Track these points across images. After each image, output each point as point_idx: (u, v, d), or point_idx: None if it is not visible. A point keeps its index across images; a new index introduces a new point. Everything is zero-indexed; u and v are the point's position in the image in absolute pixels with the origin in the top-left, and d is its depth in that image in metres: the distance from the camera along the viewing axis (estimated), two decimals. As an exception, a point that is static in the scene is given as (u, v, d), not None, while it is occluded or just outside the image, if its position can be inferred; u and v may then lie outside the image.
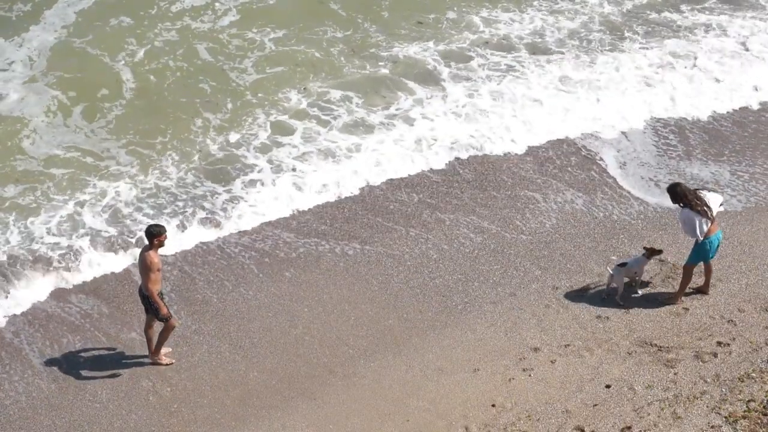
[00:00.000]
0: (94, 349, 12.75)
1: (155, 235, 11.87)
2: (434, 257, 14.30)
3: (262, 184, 15.63)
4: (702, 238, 12.71)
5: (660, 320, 12.96)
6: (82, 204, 15.08)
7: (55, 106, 17.29)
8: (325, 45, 19.24)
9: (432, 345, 12.74)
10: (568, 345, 12.61)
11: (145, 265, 11.90)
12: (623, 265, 13.29)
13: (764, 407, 11.47)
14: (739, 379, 11.93)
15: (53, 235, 14.47)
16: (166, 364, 12.42)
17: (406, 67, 18.68)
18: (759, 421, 11.30)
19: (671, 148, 16.74)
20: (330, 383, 12.24)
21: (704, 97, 18.00)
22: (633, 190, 15.65)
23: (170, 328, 12.23)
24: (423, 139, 16.68)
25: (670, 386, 11.91)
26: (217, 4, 20.30)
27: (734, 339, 12.57)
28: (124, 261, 14.14)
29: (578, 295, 13.46)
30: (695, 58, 19.05)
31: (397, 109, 17.53)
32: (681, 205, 12.76)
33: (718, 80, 18.43)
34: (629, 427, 11.38)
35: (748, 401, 11.61)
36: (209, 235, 14.68)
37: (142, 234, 13.88)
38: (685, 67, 18.81)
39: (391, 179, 15.92)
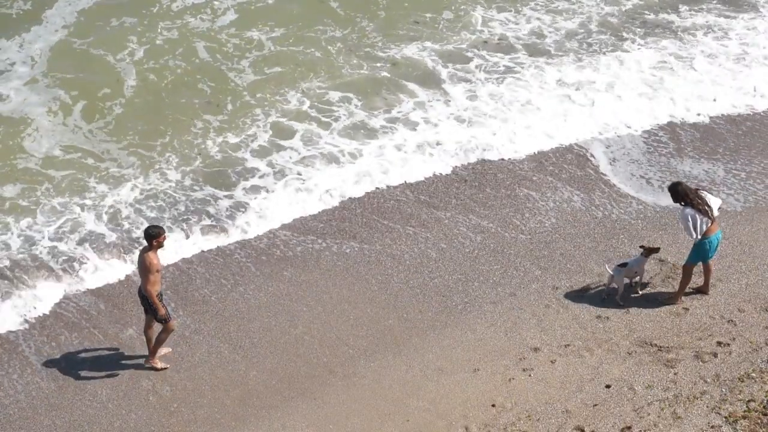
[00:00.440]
0: (93, 349, 12.74)
1: (154, 236, 11.85)
2: (434, 257, 14.30)
3: (267, 190, 15.51)
4: (699, 237, 12.72)
5: (660, 320, 12.97)
6: (82, 206, 15.07)
7: (56, 106, 17.27)
8: (324, 44, 19.23)
9: (432, 345, 12.73)
10: (568, 345, 12.61)
11: (144, 267, 11.88)
12: (623, 265, 13.29)
13: (764, 407, 11.47)
14: (739, 379, 11.93)
15: (53, 236, 14.46)
16: (160, 369, 12.37)
17: (405, 68, 18.67)
18: (759, 421, 11.30)
19: (672, 148, 16.72)
20: (330, 383, 12.23)
21: (703, 97, 18.00)
22: (633, 191, 15.64)
23: (169, 330, 12.22)
24: (426, 143, 16.64)
25: (670, 386, 11.91)
26: (216, 3, 20.30)
27: (734, 339, 12.57)
28: (124, 262, 14.12)
29: (578, 295, 13.46)
30: (692, 59, 19.09)
31: (398, 112, 17.52)
32: (682, 203, 12.77)
33: (716, 81, 18.45)
34: (629, 427, 11.37)
35: (748, 401, 11.61)
36: (214, 242, 14.60)
37: (141, 235, 13.85)
38: (684, 68, 18.83)
39: (391, 179, 15.92)
